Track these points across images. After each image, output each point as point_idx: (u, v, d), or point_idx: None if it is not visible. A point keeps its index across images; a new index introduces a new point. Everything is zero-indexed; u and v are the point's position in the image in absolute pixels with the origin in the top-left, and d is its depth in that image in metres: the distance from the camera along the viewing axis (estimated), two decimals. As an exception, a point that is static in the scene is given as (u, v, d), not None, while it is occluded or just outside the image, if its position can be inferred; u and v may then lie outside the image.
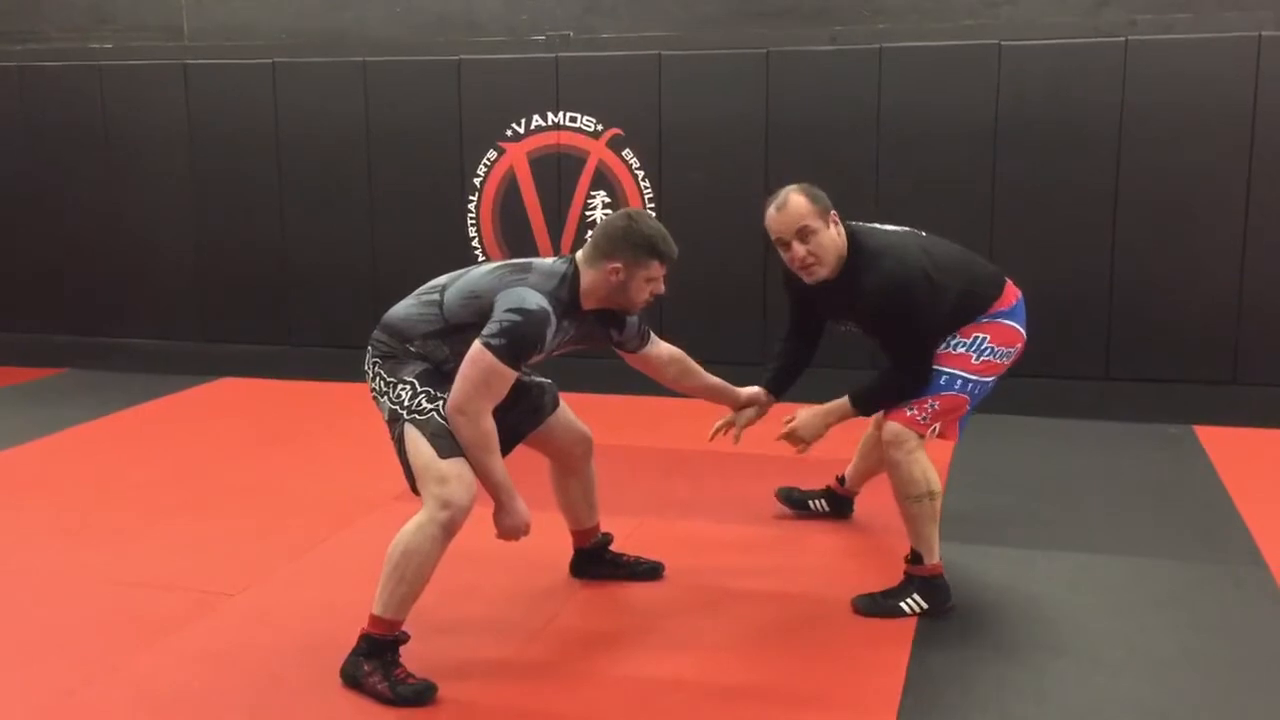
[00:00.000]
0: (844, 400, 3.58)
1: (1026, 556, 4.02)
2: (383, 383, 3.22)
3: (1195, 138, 5.63)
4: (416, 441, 3.09)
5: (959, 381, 3.52)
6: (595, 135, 6.39)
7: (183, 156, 6.99)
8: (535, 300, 3.10)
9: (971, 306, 3.58)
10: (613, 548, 3.84)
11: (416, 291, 3.34)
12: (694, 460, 5.12)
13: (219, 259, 7.05)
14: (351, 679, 3.08)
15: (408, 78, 6.62)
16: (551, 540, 3.77)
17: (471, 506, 3.06)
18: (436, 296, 3.26)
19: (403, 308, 3.31)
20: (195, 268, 7.09)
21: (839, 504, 4.35)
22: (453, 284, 3.28)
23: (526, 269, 3.24)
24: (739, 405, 3.80)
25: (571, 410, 3.64)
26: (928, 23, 6.05)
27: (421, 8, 6.80)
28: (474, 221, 6.60)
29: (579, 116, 6.39)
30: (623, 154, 6.36)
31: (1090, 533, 4.25)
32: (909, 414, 3.50)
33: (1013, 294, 3.68)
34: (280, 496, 4.73)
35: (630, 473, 4.88)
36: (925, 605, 3.51)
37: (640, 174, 6.35)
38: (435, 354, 3.22)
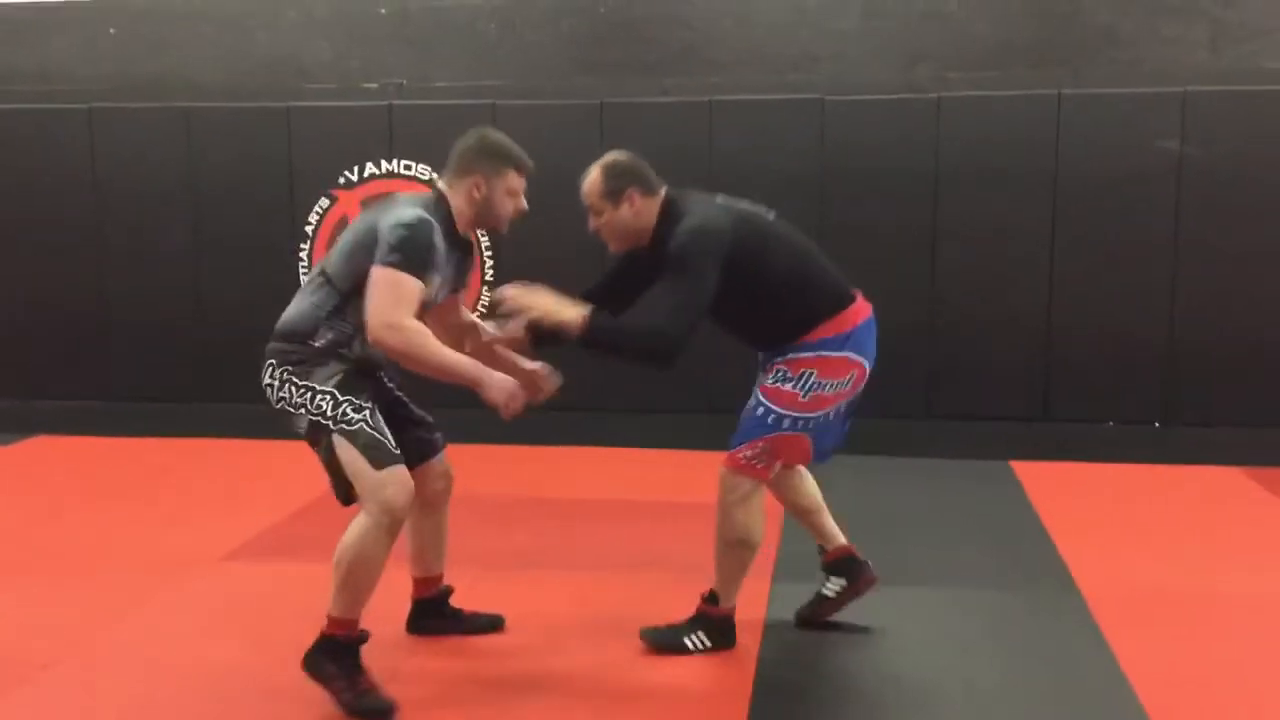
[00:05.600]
0: (582, 316, 3.21)
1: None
2: (295, 391, 3.14)
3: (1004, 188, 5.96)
4: (349, 453, 3.08)
5: (787, 420, 3.37)
6: (430, 183, 6.33)
7: (-9, 204, 6.66)
8: (412, 212, 3.12)
9: (799, 306, 3.37)
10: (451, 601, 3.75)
11: (300, 290, 3.28)
12: (530, 507, 5.10)
13: (33, 311, 6.72)
14: (316, 674, 3.16)
15: (235, 125, 6.46)
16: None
17: (409, 504, 3.11)
18: (321, 277, 3.21)
19: (294, 307, 3.24)
20: (8, 321, 6.74)
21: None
22: (331, 256, 3.24)
23: (393, 198, 3.30)
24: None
25: None
26: (754, 75, 6.23)
27: (248, 54, 6.68)
28: (305, 269, 6.47)
29: (413, 164, 6.36)
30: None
31: (918, 567, 4.39)
32: (741, 457, 3.41)
33: (853, 317, 3.42)
34: (98, 557, 4.50)
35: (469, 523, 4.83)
36: (708, 644, 3.53)
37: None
38: (343, 333, 3.16)
